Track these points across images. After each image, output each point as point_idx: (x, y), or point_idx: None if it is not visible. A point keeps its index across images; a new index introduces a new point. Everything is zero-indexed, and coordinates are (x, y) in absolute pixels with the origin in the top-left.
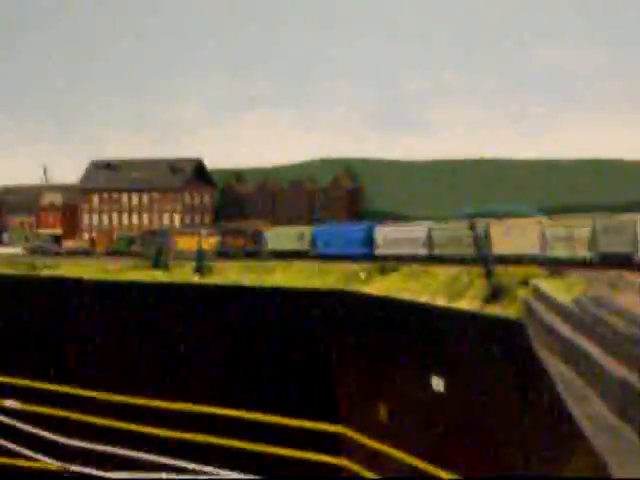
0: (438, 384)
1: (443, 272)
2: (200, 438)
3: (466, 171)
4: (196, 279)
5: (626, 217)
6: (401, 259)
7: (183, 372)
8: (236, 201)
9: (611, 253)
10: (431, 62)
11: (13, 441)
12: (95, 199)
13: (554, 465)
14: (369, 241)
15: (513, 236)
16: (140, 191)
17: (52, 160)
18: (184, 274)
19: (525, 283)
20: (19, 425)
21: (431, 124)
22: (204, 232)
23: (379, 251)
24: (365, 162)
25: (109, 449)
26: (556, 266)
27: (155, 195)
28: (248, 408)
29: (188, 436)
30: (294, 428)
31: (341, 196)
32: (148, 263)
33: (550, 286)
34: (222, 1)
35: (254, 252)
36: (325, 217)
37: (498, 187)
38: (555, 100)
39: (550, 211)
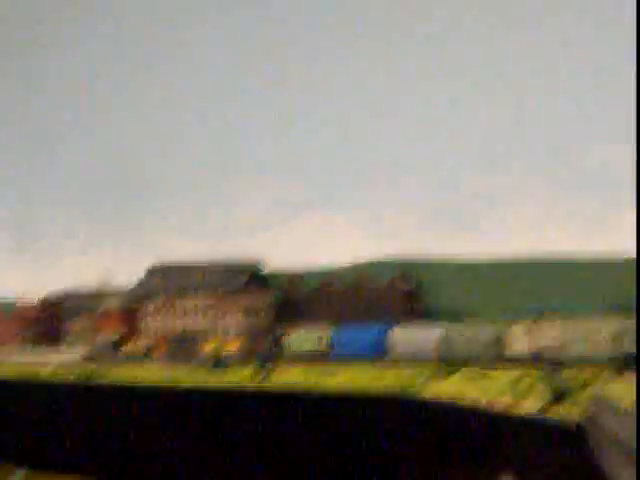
0: None
1: (504, 375)
2: None
3: (526, 270)
4: (256, 381)
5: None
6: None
7: (245, 475)
8: (295, 303)
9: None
10: (490, 163)
11: None
12: (155, 303)
13: None
14: (382, 343)
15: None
16: (198, 294)
17: (111, 265)
18: (245, 377)
19: (588, 385)
20: None
21: (489, 224)
22: (228, 336)
23: (392, 352)
24: (423, 262)
25: None
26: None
27: (213, 298)
28: None
29: None
30: None
31: (398, 297)
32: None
33: (614, 390)
34: (271, 103)
35: (276, 354)
36: (383, 317)
37: (562, 286)
38: (610, 197)
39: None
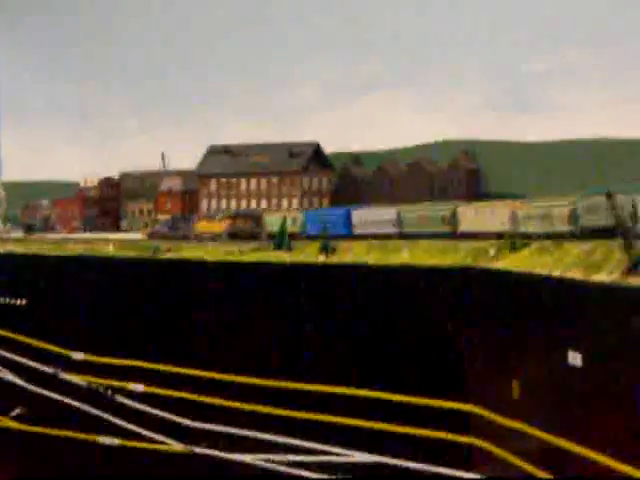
0: (575, 358)
1: (576, 247)
2: (326, 418)
3: (586, 151)
4: (322, 259)
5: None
6: (374, 237)
7: (308, 353)
8: (354, 184)
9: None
10: (552, 43)
11: (137, 424)
12: (213, 184)
13: None
14: (348, 223)
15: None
16: (258, 175)
17: (170, 146)
18: (309, 255)
19: None
20: (144, 408)
21: (553, 105)
22: (218, 216)
23: (356, 231)
24: (485, 144)
25: (233, 430)
26: None
27: (273, 179)
28: (375, 388)
29: (313, 416)
30: (424, 407)
31: (460, 178)
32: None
33: None
34: None
35: (257, 233)
36: (444, 198)
37: (616, 168)
38: None
39: None
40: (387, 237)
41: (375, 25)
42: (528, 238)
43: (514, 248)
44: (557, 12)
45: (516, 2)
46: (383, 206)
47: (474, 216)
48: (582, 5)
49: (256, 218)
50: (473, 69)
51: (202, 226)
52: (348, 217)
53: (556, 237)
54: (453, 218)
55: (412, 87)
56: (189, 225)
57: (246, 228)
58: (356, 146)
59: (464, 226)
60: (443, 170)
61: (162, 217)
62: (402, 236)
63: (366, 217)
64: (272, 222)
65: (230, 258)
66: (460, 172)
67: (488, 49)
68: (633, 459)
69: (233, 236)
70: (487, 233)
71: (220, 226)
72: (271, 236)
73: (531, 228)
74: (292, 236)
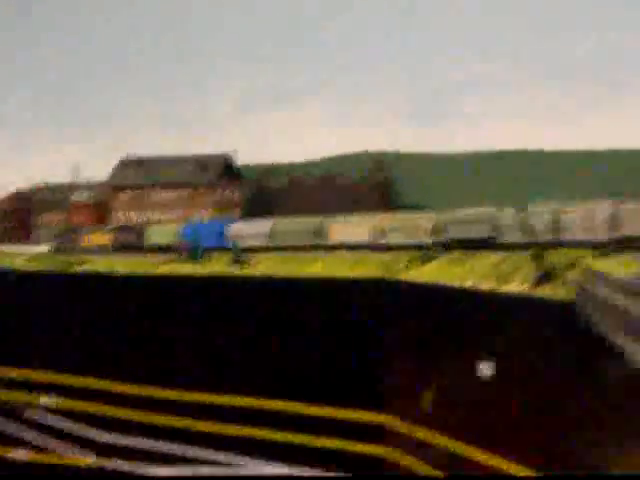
0: (485, 369)
1: (488, 257)
2: (243, 431)
3: (499, 163)
4: (235, 271)
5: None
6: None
7: (225, 365)
8: (267, 196)
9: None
10: (468, 52)
11: (50, 437)
12: (125, 196)
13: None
14: (221, 236)
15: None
16: (170, 187)
17: (82, 158)
18: (223, 266)
19: (573, 265)
20: (56, 421)
21: (468, 116)
22: (106, 229)
23: (229, 243)
24: (398, 156)
25: (147, 443)
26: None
27: (185, 191)
28: (291, 399)
29: (230, 429)
30: (339, 419)
31: (373, 190)
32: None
33: (603, 265)
34: None
35: (139, 246)
36: (357, 210)
37: (531, 179)
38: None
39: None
40: (259, 250)
41: (291, 36)
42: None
43: (426, 260)
44: (477, 24)
45: (433, 13)
46: (260, 220)
47: (342, 228)
48: (503, 18)
49: (138, 231)
50: (389, 80)
51: (93, 238)
52: (221, 231)
53: (422, 248)
54: (322, 231)
55: (328, 98)
56: (80, 237)
57: (128, 240)
58: (270, 157)
59: (333, 238)
60: (356, 182)
61: (65, 228)
62: (271, 249)
63: (241, 231)
64: (156, 233)
65: (144, 270)
66: (373, 184)
67: (404, 60)
68: (538, 469)
69: (118, 248)
70: (356, 244)
71: (106, 239)
72: (159, 248)
73: (393, 240)
74: (169, 248)
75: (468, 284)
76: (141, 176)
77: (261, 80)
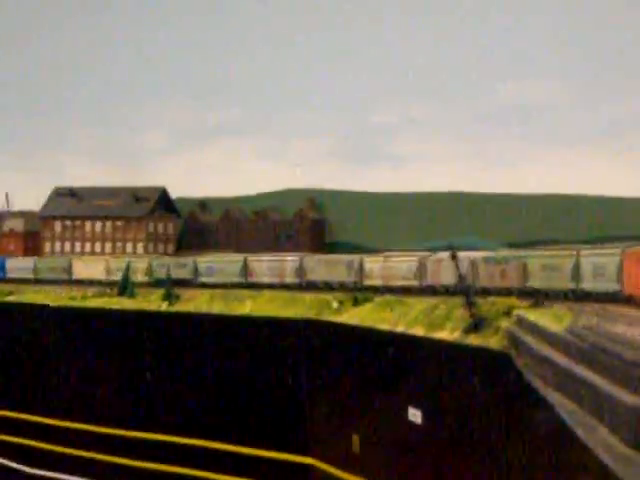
0: (415, 415)
1: (420, 302)
2: (169, 469)
3: (432, 204)
4: (164, 307)
5: None
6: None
7: (149, 401)
8: (200, 230)
9: None
10: (398, 95)
11: None
12: (57, 226)
13: None
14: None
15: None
16: (103, 219)
17: (14, 188)
18: (153, 302)
19: (507, 314)
20: None
21: (398, 157)
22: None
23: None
24: (331, 194)
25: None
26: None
27: (118, 223)
28: (216, 439)
29: (155, 466)
30: (265, 459)
31: (305, 227)
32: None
33: (536, 316)
34: (187, 30)
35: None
36: (290, 247)
37: (464, 220)
38: (525, 134)
39: (517, 245)
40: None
41: (223, 72)
42: (372, 291)
43: (357, 302)
44: (405, 64)
45: (364, 53)
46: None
47: (83, 267)
48: (433, 58)
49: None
50: (321, 119)
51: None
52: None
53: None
54: (69, 268)
55: (260, 134)
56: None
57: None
58: (203, 192)
59: (76, 274)
60: (288, 219)
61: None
62: (37, 281)
63: (17, 265)
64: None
65: (73, 303)
66: (305, 221)
67: (336, 100)
68: None
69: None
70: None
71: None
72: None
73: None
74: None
75: (400, 329)
76: (74, 207)
77: (196, 115)
